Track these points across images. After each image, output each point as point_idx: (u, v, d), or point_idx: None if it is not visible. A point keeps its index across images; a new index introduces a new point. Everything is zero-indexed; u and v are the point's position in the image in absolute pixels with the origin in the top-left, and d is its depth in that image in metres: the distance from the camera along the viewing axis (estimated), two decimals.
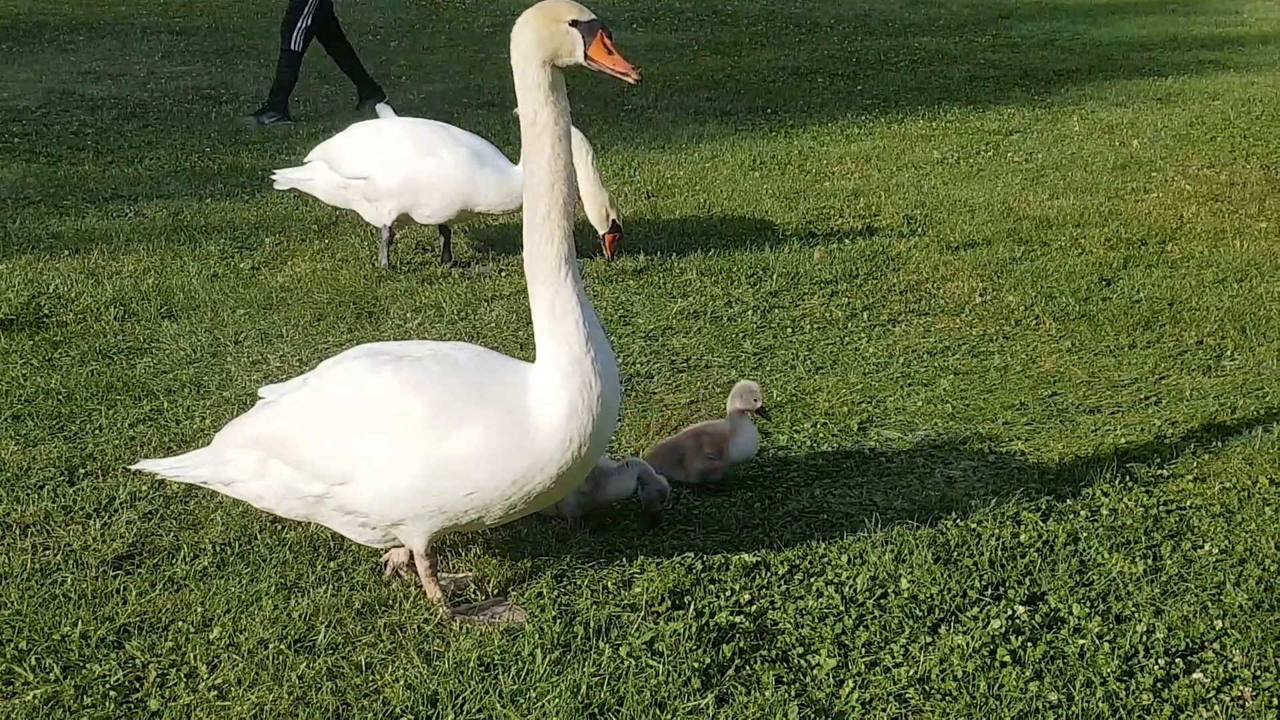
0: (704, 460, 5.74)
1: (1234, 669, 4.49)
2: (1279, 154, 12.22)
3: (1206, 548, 5.25)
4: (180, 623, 4.66)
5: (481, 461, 4.54)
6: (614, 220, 8.81)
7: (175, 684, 4.36)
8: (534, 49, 4.55)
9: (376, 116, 9.44)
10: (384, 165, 8.54)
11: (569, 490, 4.88)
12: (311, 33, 13.71)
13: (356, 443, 4.62)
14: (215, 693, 4.31)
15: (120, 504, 5.48)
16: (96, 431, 6.20)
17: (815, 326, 7.87)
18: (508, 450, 4.55)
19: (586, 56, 4.58)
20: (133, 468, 5.34)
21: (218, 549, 5.15)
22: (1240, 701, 4.34)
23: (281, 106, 13.50)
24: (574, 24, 4.55)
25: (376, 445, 4.59)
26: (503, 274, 8.71)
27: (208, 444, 5.09)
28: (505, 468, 4.56)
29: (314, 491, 4.70)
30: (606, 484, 5.41)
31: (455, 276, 8.66)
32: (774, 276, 8.66)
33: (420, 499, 4.58)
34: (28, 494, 5.57)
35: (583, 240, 9.14)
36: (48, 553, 5.12)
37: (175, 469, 5.01)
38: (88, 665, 4.42)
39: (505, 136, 12.23)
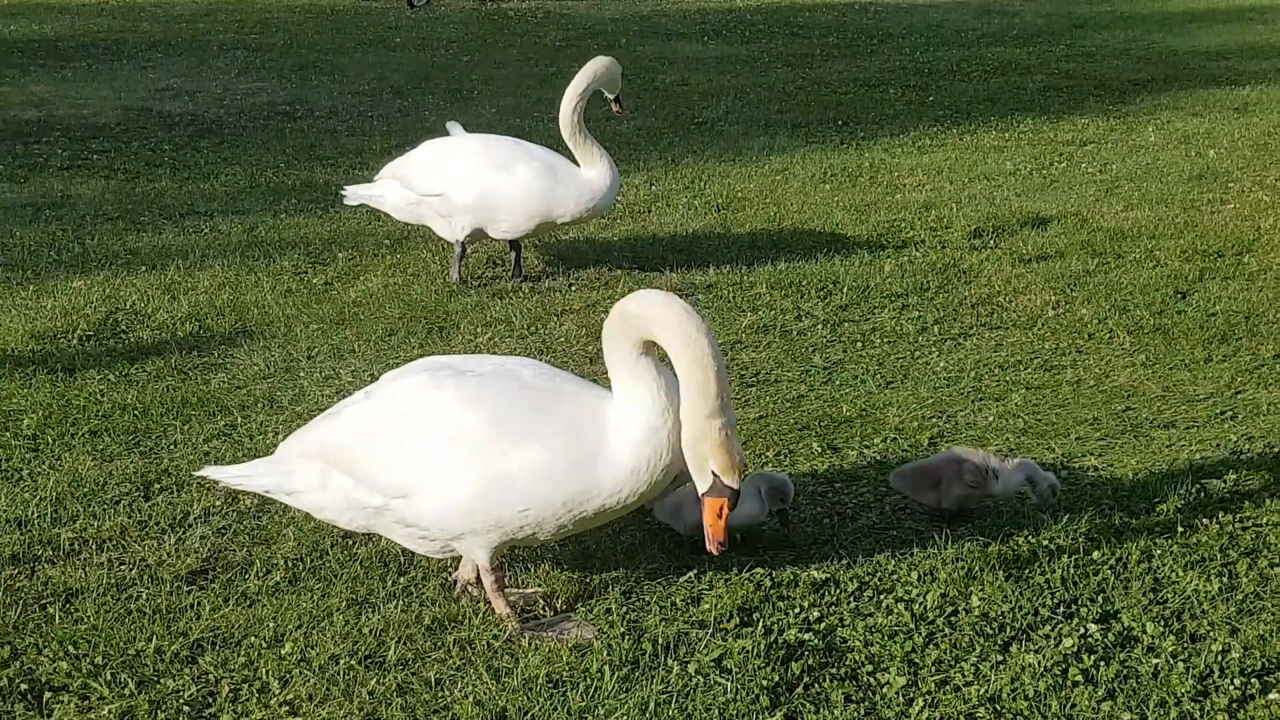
0: (962, 488, 5.60)
1: None
2: None
3: None
4: (253, 638, 4.71)
5: (538, 479, 4.57)
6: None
7: (247, 699, 4.41)
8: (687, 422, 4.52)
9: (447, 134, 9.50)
10: (458, 182, 8.60)
11: (615, 519, 4.91)
12: None
13: (415, 456, 4.66)
14: (287, 708, 4.35)
15: (194, 519, 5.55)
16: (171, 447, 6.28)
17: (885, 340, 7.83)
18: (566, 472, 4.58)
19: (700, 495, 4.55)
20: (198, 473, 5.40)
21: (290, 564, 5.20)
22: None
23: None
24: (715, 474, 4.50)
25: (435, 459, 4.63)
26: (572, 288, 8.74)
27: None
28: (560, 489, 4.59)
29: (373, 503, 4.75)
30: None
31: (525, 291, 8.69)
32: (844, 290, 8.63)
33: (477, 514, 4.62)
34: (104, 509, 5.64)
35: (654, 253, 9.17)
36: (123, 567, 5.19)
37: (239, 478, 5.07)
38: (162, 680, 4.48)
39: None
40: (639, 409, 4.55)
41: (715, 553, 4.58)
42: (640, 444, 4.55)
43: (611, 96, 9.17)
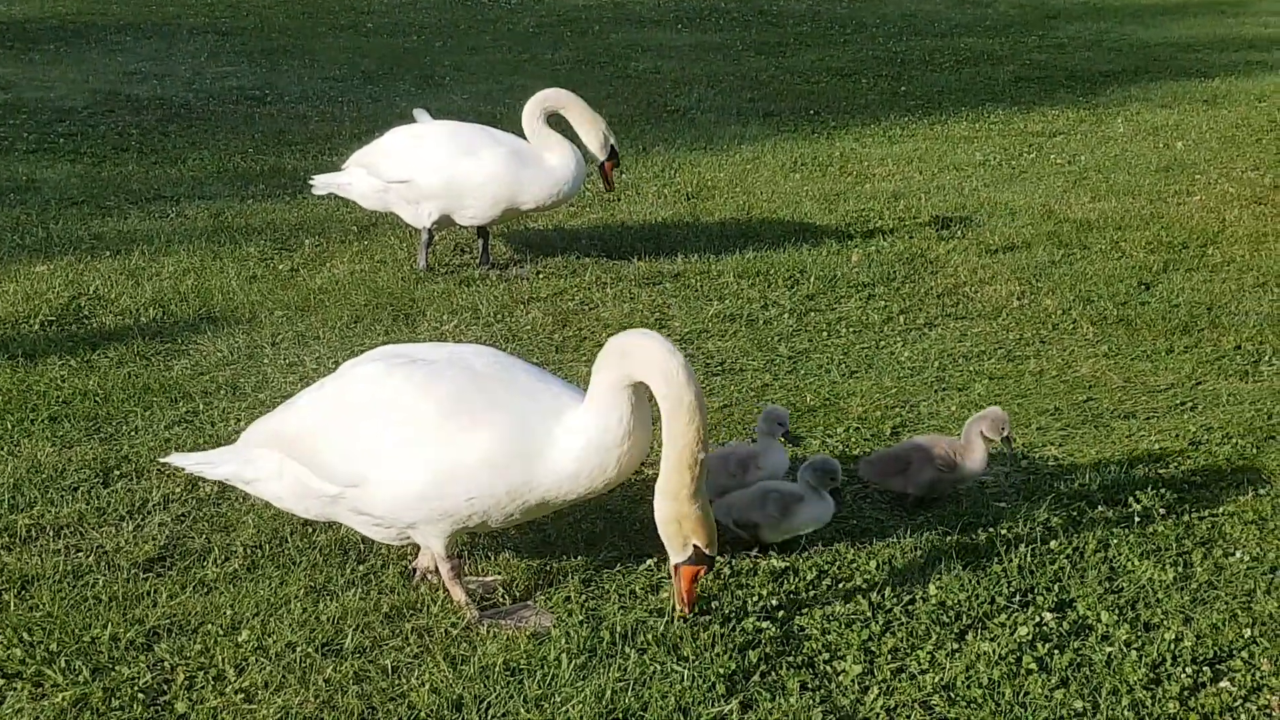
0: (932, 472, 5.64)
1: (1261, 678, 4.47)
2: None
3: (1238, 555, 5.22)
4: (209, 625, 4.71)
5: (482, 468, 4.59)
6: (612, 145, 8.88)
7: (203, 687, 4.40)
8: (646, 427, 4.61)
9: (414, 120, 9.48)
10: (425, 168, 8.58)
11: (565, 508, 4.93)
12: None
13: (367, 445, 4.66)
14: (242, 696, 4.35)
15: (154, 506, 5.54)
16: (132, 433, 6.25)
17: (851, 330, 7.85)
18: (511, 461, 4.59)
19: (676, 563, 4.58)
20: (161, 460, 5.39)
21: (248, 551, 5.19)
22: (1267, 710, 4.33)
23: None
24: (695, 547, 4.53)
25: (385, 448, 4.64)
26: (540, 276, 8.73)
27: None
28: (502, 477, 4.60)
29: (329, 492, 4.76)
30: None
31: (493, 279, 8.68)
32: (811, 279, 8.65)
33: (427, 502, 4.63)
34: (62, 495, 5.62)
35: (622, 241, 9.18)
36: (80, 554, 5.17)
37: (199, 465, 5.08)
38: (117, 668, 4.47)
39: None
40: (601, 426, 4.56)
41: (685, 612, 4.64)
42: (590, 454, 4.57)
43: (603, 157, 8.97)
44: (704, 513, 4.48)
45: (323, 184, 9.14)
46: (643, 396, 4.58)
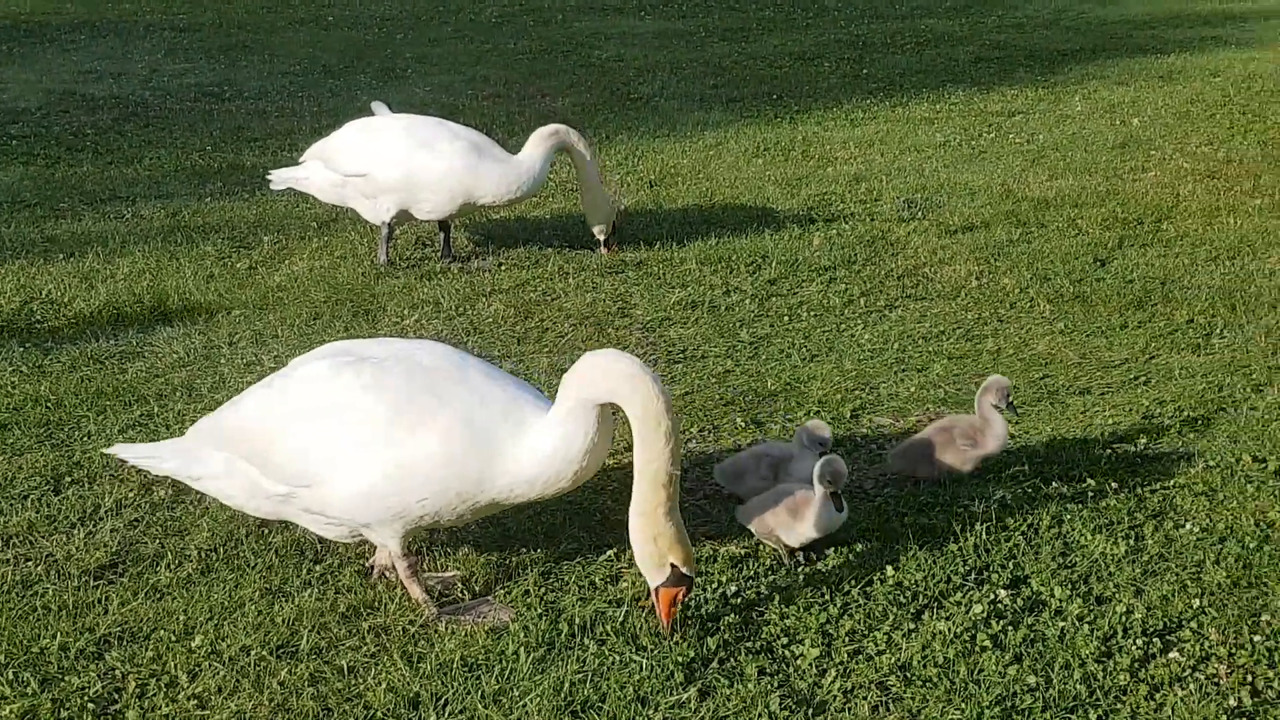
0: (957, 452, 5.69)
1: (1210, 647, 4.52)
2: (1275, 130, 12.18)
3: (1188, 527, 5.27)
4: (162, 631, 4.68)
5: (433, 467, 4.57)
6: (615, 222, 8.91)
7: (155, 694, 4.38)
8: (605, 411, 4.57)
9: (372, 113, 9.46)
10: (382, 161, 8.55)
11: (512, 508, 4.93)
12: None
13: (315, 444, 4.64)
14: (195, 702, 4.33)
15: (106, 512, 5.50)
16: (85, 439, 6.21)
17: (812, 314, 7.86)
18: (458, 461, 4.58)
19: (655, 586, 4.55)
20: (106, 450, 5.36)
21: (203, 555, 5.17)
22: (1215, 679, 4.37)
23: None
24: (673, 566, 4.51)
25: (334, 448, 4.62)
26: (502, 268, 8.71)
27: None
28: (455, 477, 4.59)
29: (278, 492, 4.73)
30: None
31: (454, 272, 8.66)
32: (773, 264, 8.65)
33: (378, 501, 4.61)
34: (11, 505, 5.58)
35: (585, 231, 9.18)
36: (29, 564, 5.13)
37: (146, 458, 5.04)
38: (66, 678, 4.44)
39: (510, 128, 12.29)
40: (566, 438, 4.55)
41: (669, 635, 4.61)
42: (550, 463, 4.57)
43: (601, 236, 9.03)
44: (679, 530, 4.47)
45: (280, 179, 9.11)
46: (608, 414, 4.58)
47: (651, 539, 4.47)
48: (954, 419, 5.81)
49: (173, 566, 5.10)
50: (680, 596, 4.56)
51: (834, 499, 5.01)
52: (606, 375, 4.49)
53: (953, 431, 5.70)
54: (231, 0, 21.77)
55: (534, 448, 4.57)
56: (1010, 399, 5.70)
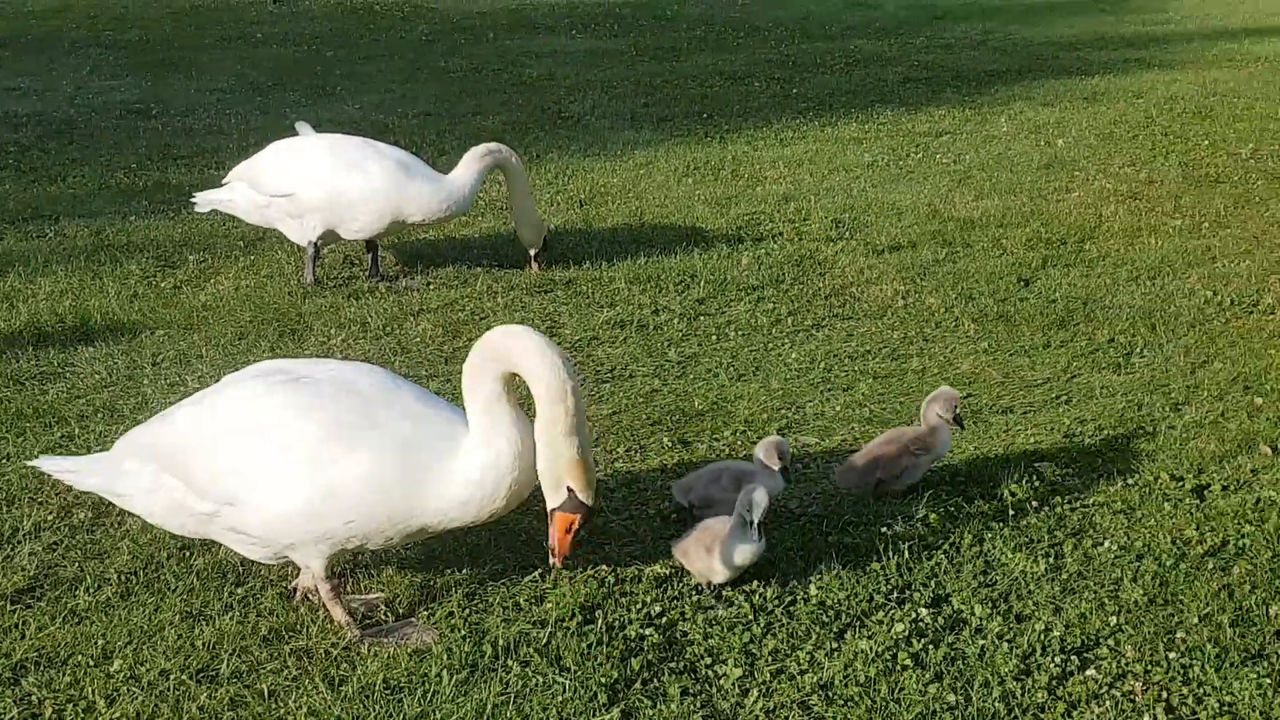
0: (908, 457, 5.75)
1: (1126, 664, 4.58)
2: (1197, 151, 12.36)
3: (1106, 545, 5.34)
4: (80, 656, 4.64)
5: (364, 491, 4.57)
6: (545, 240, 8.94)
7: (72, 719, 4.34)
8: (502, 378, 4.59)
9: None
10: (308, 181, 8.51)
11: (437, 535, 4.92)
12: None
13: (244, 463, 4.62)
14: None
15: (24, 535, 5.43)
16: (3, 460, 6.12)
17: (740, 333, 7.89)
18: (390, 489, 4.58)
19: (551, 510, 4.59)
20: (28, 463, 5.30)
21: (123, 578, 5.12)
22: (1131, 696, 4.43)
23: None
24: (570, 491, 4.54)
25: (264, 467, 4.60)
26: (430, 287, 8.69)
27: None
28: (385, 502, 4.59)
29: (204, 509, 4.70)
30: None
31: (382, 291, 8.63)
32: (702, 283, 8.69)
33: (305, 523, 4.60)
34: None
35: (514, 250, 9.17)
36: None
37: (69, 472, 5.00)
38: None
39: (441, 146, 12.28)
40: (492, 451, 4.57)
41: (559, 567, 4.59)
42: (481, 483, 4.59)
43: (532, 251, 9.06)
44: (581, 456, 4.49)
45: (205, 201, 9.05)
46: (524, 416, 4.58)
47: (552, 458, 4.50)
48: (898, 431, 5.90)
49: (92, 590, 5.05)
50: (575, 526, 4.56)
51: (754, 529, 4.97)
52: (490, 348, 4.58)
53: (900, 442, 5.77)
54: (160, 17, 21.61)
55: (463, 468, 4.58)
56: (957, 412, 5.81)
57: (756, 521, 4.94)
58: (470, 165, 8.61)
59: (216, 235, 9.75)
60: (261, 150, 8.93)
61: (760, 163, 12.28)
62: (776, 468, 5.39)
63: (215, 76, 16.61)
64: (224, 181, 9.06)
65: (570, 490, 4.53)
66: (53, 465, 5.05)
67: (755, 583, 5.07)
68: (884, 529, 5.45)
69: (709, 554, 4.98)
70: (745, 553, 4.96)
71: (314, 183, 8.49)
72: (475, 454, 4.58)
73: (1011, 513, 5.58)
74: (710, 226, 10.10)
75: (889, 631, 4.75)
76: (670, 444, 6.38)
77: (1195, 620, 4.83)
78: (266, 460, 4.60)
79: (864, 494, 5.79)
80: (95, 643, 4.71)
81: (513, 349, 4.55)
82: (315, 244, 8.65)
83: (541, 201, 10.78)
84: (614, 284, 8.71)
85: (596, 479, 4.62)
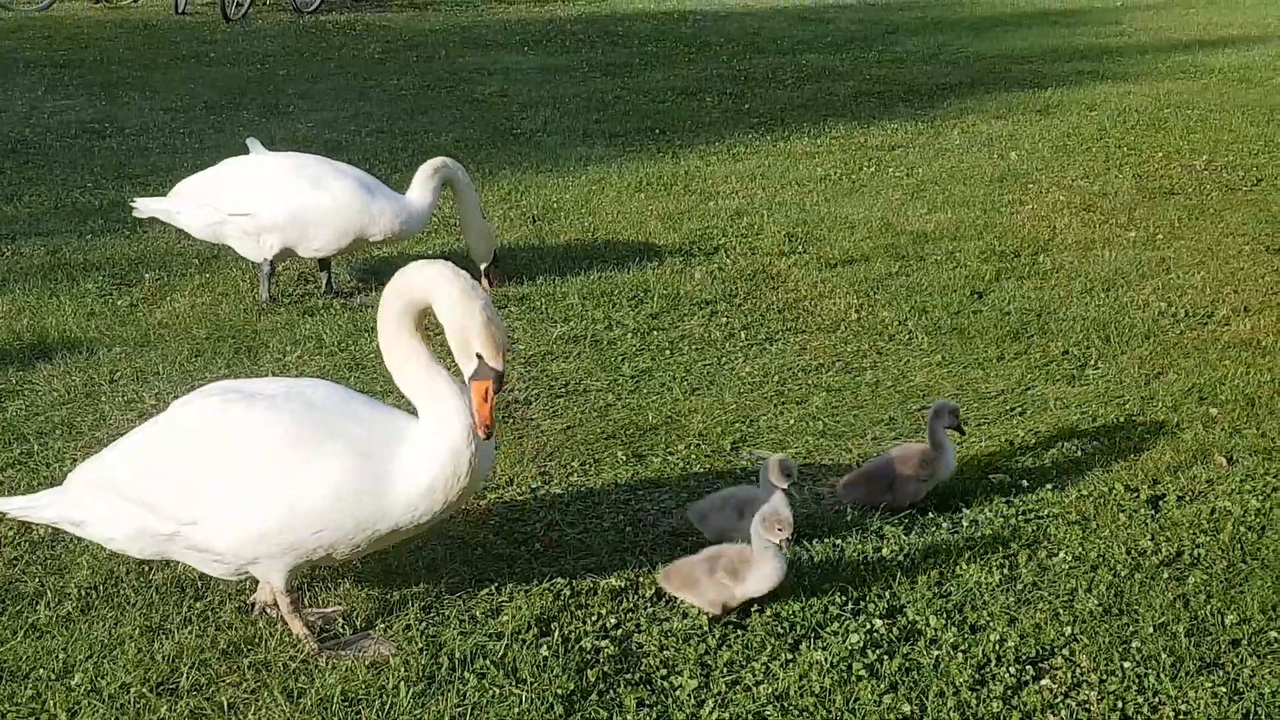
0: (915, 483, 5.78)
1: (1081, 674, 4.63)
2: (1151, 163, 12.48)
3: (1061, 555, 5.40)
4: (41, 670, 4.64)
5: (332, 500, 4.58)
6: (495, 253, 8.97)
7: None
8: (423, 295, 4.64)
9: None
10: (267, 200, 8.49)
11: (409, 539, 4.94)
12: None
13: (205, 482, 4.63)
14: None
15: None
16: None
17: (693, 348, 7.94)
18: (359, 492, 4.60)
19: (467, 378, 4.59)
20: None
21: (83, 593, 5.13)
22: (1086, 706, 4.48)
23: None
24: (479, 356, 4.56)
25: (225, 484, 4.61)
26: None
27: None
28: (353, 509, 4.60)
29: (164, 531, 4.71)
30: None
31: (337, 308, 8.64)
32: (655, 298, 8.73)
33: (270, 538, 4.61)
34: None
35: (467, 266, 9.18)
36: None
37: (24, 509, 4.98)
38: None
39: (394, 164, 12.28)
40: (445, 428, 4.61)
41: (485, 437, 4.60)
42: (443, 464, 4.60)
43: (483, 266, 9.08)
44: (487, 319, 4.52)
45: (145, 208, 8.93)
46: (462, 382, 4.64)
47: (461, 328, 4.55)
48: (906, 448, 5.92)
49: (52, 605, 5.05)
50: (490, 392, 4.55)
51: (784, 547, 4.94)
52: (399, 289, 4.65)
53: (911, 461, 5.81)
54: (113, 36, 21.53)
55: (419, 454, 4.62)
56: (957, 422, 5.91)
57: (787, 539, 4.91)
58: (424, 183, 8.64)
59: (172, 253, 9.74)
60: (213, 167, 8.91)
61: (713, 178, 12.34)
62: (784, 486, 5.26)
63: (169, 95, 16.56)
64: (170, 194, 8.97)
65: (480, 357, 4.55)
66: (6, 505, 5.02)
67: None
68: (838, 540, 5.51)
69: (733, 579, 4.91)
70: (778, 574, 4.93)
71: (274, 202, 8.48)
72: (428, 436, 4.63)
73: (966, 524, 5.66)
74: (663, 242, 10.14)
75: (844, 642, 4.79)
76: (624, 458, 6.42)
77: (1150, 630, 4.89)
78: (229, 478, 4.62)
79: (864, 507, 5.83)
80: (56, 657, 4.72)
81: (412, 279, 4.63)
82: (271, 262, 8.65)
83: (494, 218, 10.79)
84: (567, 299, 8.75)
85: (506, 343, 4.63)
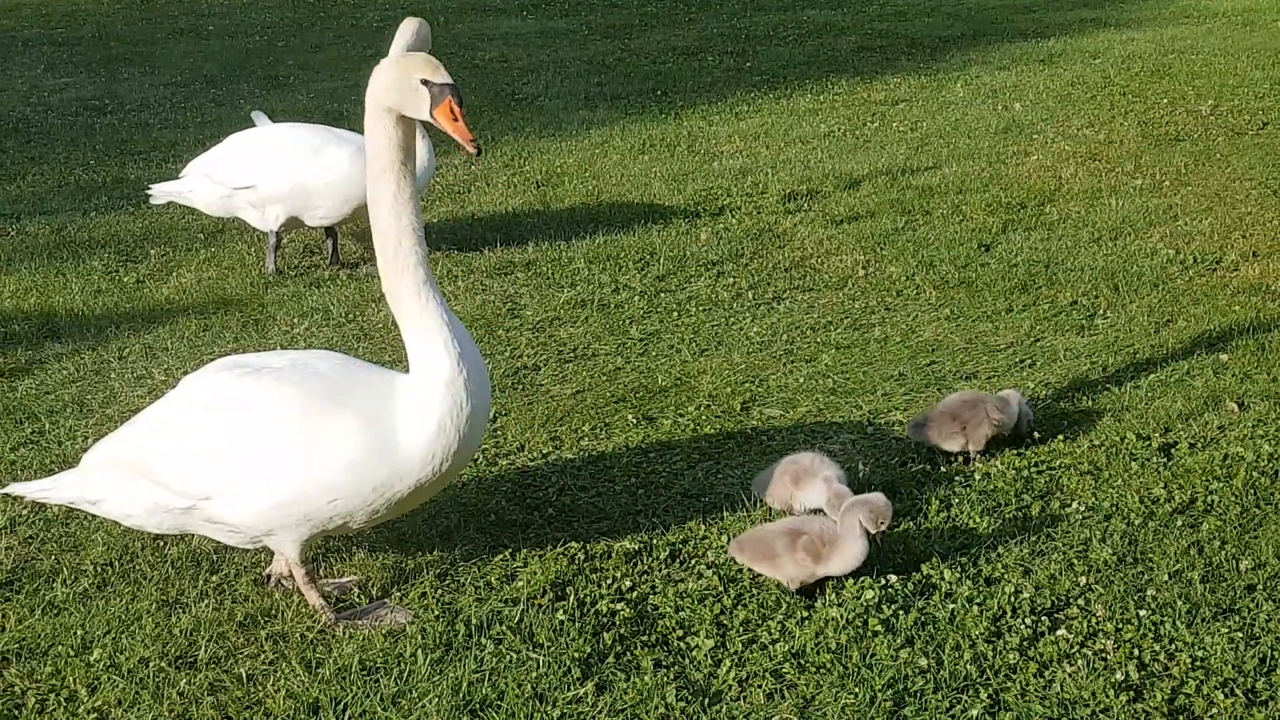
0: (990, 426, 5.76)
1: (1097, 623, 4.63)
2: (1155, 110, 12.42)
3: (1074, 505, 5.40)
4: (60, 646, 4.67)
5: (344, 469, 4.58)
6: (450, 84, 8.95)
7: (55, 709, 4.37)
8: (382, 96, 4.60)
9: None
10: (271, 172, 8.50)
11: (428, 498, 4.92)
12: None
13: (219, 456, 4.65)
14: (95, 715, 4.33)
15: (0, 530, 5.45)
16: None
17: (701, 309, 7.93)
18: (370, 458, 4.59)
19: (431, 115, 4.58)
20: (2, 491, 5.32)
21: (99, 569, 5.14)
22: (1102, 654, 4.48)
23: None
24: (425, 83, 4.55)
25: (239, 457, 4.63)
26: None
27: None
28: (367, 476, 4.60)
29: (180, 505, 4.73)
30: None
31: (343, 279, 8.64)
32: (661, 260, 8.72)
33: (286, 509, 4.62)
34: None
35: (472, 233, 9.18)
36: None
37: (42, 491, 5.02)
38: None
39: None
40: (433, 364, 4.63)
41: (475, 153, 4.61)
42: (442, 397, 4.61)
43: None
44: (408, 54, 4.62)
45: (161, 193, 9.01)
46: (454, 318, 4.70)
47: (398, 69, 4.59)
48: (976, 394, 5.90)
49: (69, 582, 5.07)
50: (455, 108, 4.56)
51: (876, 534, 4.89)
52: (377, 94, 4.65)
53: (984, 406, 5.78)
54: (111, 13, 21.46)
55: (419, 399, 4.63)
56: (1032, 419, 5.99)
57: (883, 528, 4.89)
58: (420, 145, 8.61)
59: (177, 229, 9.73)
60: (220, 143, 8.91)
61: (716, 138, 12.30)
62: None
63: (168, 70, 16.51)
64: (182, 175, 9.02)
65: (425, 82, 4.55)
66: (24, 489, 5.08)
67: (724, 555, 5.12)
68: None
69: (814, 560, 4.84)
70: (861, 557, 4.86)
71: (277, 173, 8.49)
72: (421, 380, 4.65)
73: (979, 477, 5.65)
74: (668, 203, 10.12)
75: (859, 599, 4.80)
76: (635, 421, 6.42)
77: (1165, 578, 4.89)
78: (242, 450, 4.63)
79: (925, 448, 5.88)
80: (74, 633, 4.74)
81: (376, 78, 4.65)
82: (277, 233, 8.65)
83: (498, 184, 10.79)
84: (574, 264, 8.73)
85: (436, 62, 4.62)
